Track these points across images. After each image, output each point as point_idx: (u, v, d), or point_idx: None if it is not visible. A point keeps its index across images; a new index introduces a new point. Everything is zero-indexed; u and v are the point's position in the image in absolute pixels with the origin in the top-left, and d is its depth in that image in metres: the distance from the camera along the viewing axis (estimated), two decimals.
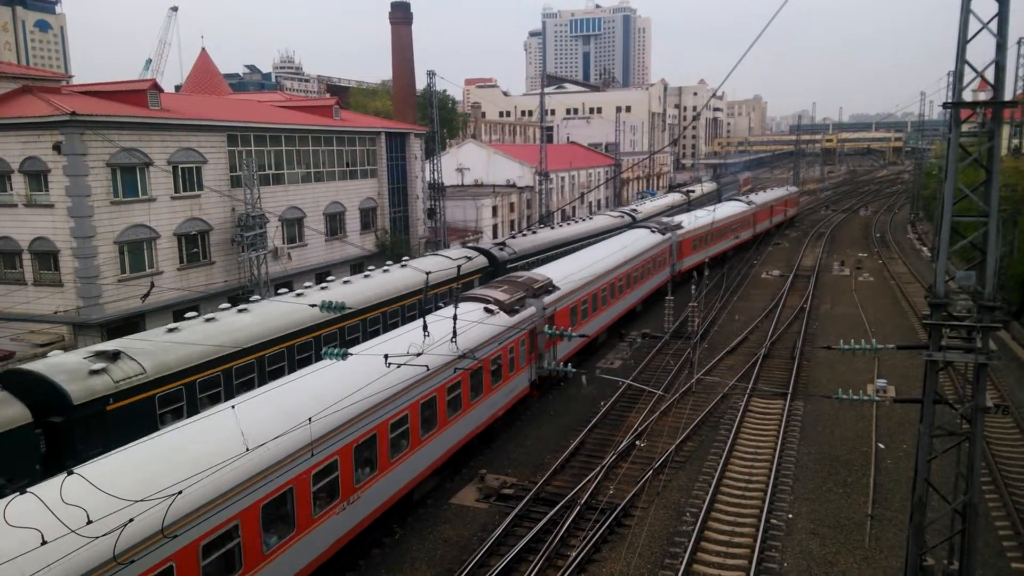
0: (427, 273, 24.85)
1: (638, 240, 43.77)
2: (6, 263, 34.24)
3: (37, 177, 32.80)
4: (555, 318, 29.47)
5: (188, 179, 37.17)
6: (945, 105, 12.72)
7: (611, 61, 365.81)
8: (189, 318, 23.88)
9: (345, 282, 30.40)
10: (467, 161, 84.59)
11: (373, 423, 18.19)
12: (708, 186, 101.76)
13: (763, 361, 34.18)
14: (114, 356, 19.72)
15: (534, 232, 49.16)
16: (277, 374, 22.89)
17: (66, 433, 17.86)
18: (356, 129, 50.45)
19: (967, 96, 12.48)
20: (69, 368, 18.79)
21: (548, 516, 20.26)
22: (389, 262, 35.89)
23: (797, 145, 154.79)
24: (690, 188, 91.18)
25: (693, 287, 37.74)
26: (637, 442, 25.39)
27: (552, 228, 52.04)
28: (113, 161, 33.22)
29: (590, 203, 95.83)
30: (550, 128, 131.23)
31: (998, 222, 12.03)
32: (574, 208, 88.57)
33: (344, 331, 27.53)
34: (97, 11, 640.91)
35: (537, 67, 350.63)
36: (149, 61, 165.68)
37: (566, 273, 32.52)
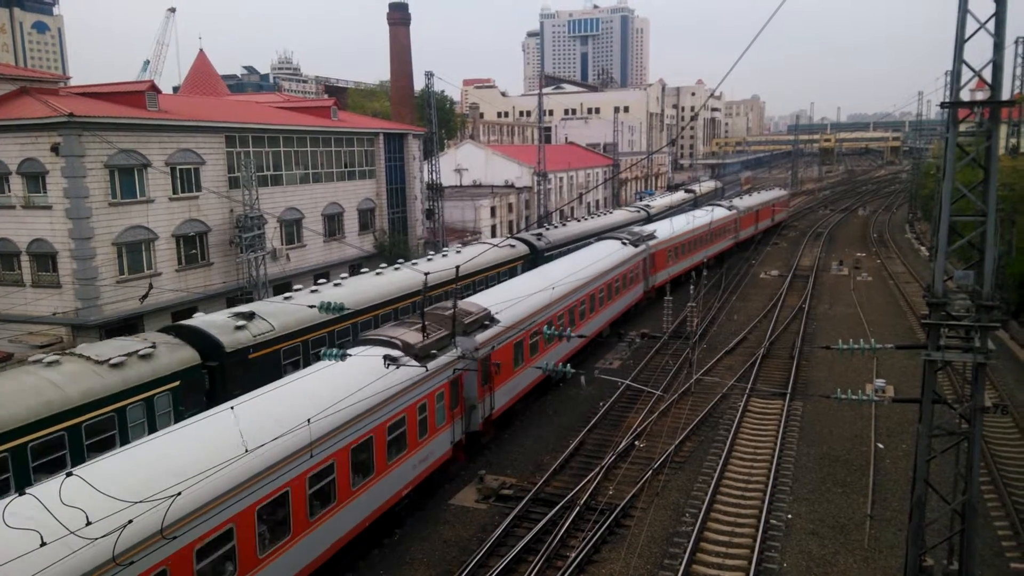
0: (426, 274, 24.77)
1: (608, 255, 38.38)
2: (4, 265, 34.19)
3: (35, 179, 32.76)
4: (492, 359, 24.43)
5: (186, 180, 37.14)
6: (943, 105, 12.72)
7: (609, 61, 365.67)
8: (296, 289, 29.12)
9: (428, 259, 36.83)
10: (465, 162, 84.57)
11: (161, 554, 12.13)
12: (712, 184, 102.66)
13: (762, 361, 34.20)
14: (250, 316, 24.37)
15: (564, 225, 53.06)
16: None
17: (220, 374, 22.38)
18: (354, 130, 50.43)
19: (965, 96, 12.49)
20: (220, 324, 23.55)
21: (548, 517, 20.26)
22: (447, 247, 42.84)
23: (795, 145, 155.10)
24: (689, 188, 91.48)
25: (692, 287, 37.65)
26: (636, 442, 25.39)
27: (579, 221, 55.95)
28: (111, 162, 33.19)
29: (588, 203, 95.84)
30: (548, 128, 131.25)
31: (996, 221, 12.04)
32: (572, 209, 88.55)
33: (427, 299, 31.56)
34: (95, 12, 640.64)
35: (535, 67, 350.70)
36: (147, 62, 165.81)
37: (514, 297, 27.05)
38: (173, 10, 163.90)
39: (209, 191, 38.13)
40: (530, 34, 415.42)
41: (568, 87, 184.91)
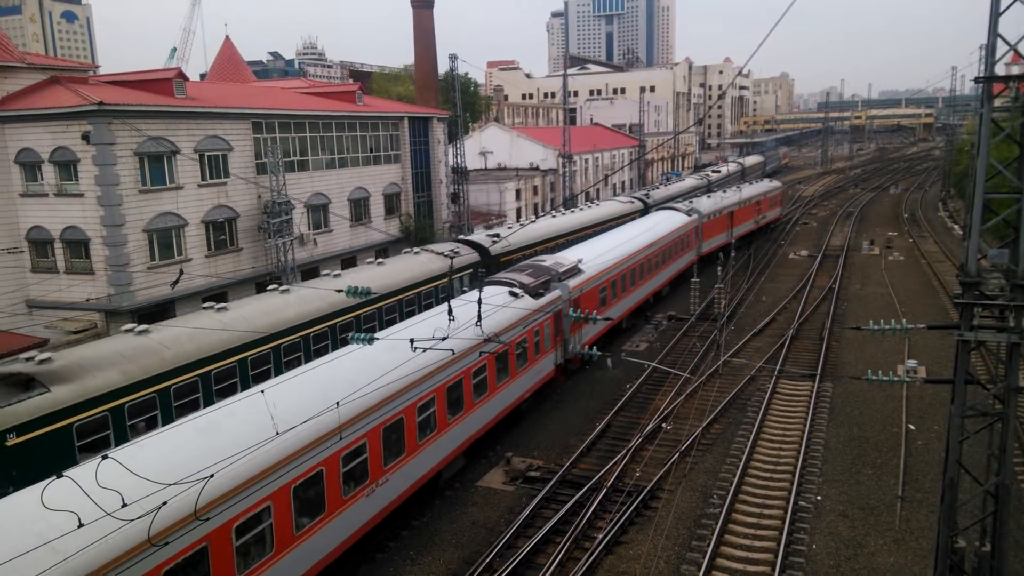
0: (450, 258, 26.00)
1: (486, 316, 21.57)
2: (39, 252, 34.86)
3: (67, 167, 33.29)
4: None
5: (214, 167, 37.50)
6: (977, 79, 12.41)
7: (635, 41, 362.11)
8: (511, 227, 43.34)
9: (573, 212, 51.06)
10: (490, 145, 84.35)
11: None
12: (754, 159, 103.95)
13: (791, 342, 33.90)
14: (497, 235, 37.93)
15: (660, 187, 70.04)
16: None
17: (486, 268, 35.18)
18: (379, 114, 50.51)
19: (1000, 70, 12.19)
20: (484, 239, 37.95)
21: (575, 499, 20.35)
22: (597, 200, 64.04)
23: (825, 123, 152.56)
24: (716, 168, 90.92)
25: (719, 268, 37.33)
26: (663, 425, 25.36)
27: (665, 184, 75.11)
28: (141, 150, 33.60)
29: (614, 185, 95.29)
30: (573, 110, 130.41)
31: None
32: (593, 191, 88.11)
33: (577, 239, 43.48)
34: (122, 6, 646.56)
35: (560, 48, 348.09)
36: (174, 50, 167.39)
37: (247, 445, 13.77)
38: None
39: (237, 177, 38.48)
40: (555, 14, 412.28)
41: (593, 67, 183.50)
